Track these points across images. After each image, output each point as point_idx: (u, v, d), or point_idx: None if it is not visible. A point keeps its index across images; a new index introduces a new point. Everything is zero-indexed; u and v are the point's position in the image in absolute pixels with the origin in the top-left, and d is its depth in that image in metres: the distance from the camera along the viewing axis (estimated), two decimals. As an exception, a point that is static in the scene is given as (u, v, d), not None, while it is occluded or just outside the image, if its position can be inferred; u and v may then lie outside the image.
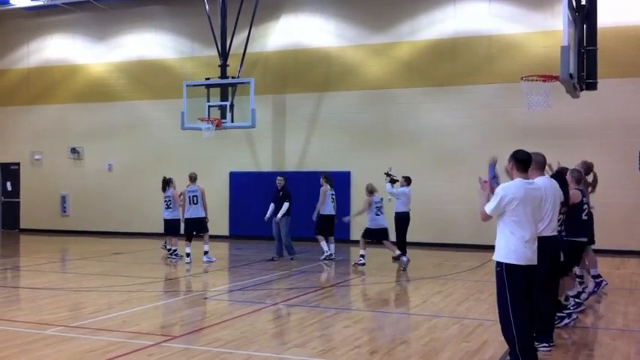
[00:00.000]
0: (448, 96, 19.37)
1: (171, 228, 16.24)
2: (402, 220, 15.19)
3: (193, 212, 15.56)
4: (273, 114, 21.18)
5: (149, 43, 22.85)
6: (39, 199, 24.25)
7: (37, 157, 24.41)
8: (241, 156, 21.49)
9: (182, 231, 16.04)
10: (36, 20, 24.27)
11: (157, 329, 8.32)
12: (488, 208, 6.42)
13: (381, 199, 15.17)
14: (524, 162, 6.57)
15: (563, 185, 8.18)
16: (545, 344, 7.31)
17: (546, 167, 8.62)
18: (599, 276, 10.92)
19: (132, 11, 22.96)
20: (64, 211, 24.03)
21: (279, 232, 15.87)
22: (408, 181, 15.51)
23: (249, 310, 9.74)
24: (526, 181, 6.55)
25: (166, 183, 16.52)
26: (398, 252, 14.43)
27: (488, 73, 18.98)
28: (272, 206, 15.96)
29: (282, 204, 15.73)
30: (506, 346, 7.29)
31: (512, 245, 6.31)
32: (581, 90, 10.45)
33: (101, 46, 23.54)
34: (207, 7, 19.56)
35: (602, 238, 17.29)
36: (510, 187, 6.43)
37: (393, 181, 15.34)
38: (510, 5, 18.87)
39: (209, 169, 21.65)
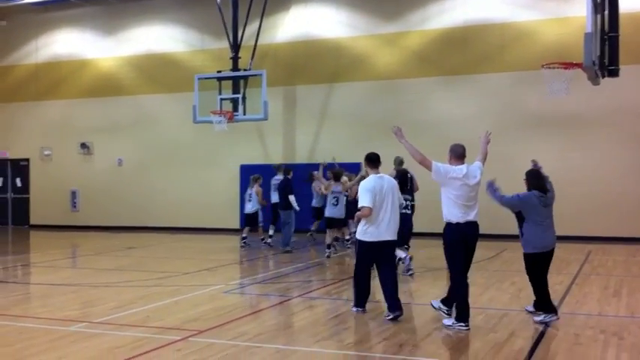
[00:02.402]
0: (459, 85, 19.26)
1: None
2: None
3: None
4: (284, 106, 21.11)
5: (158, 37, 22.77)
6: (49, 194, 24.24)
7: (46, 152, 24.38)
8: (252, 149, 21.42)
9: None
10: (44, 15, 24.18)
11: (181, 324, 8.26)
12: (367, 203, 8.31)
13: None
14: (373, 160, 8.77)
15: (541, 178, 8.56)
16: (462, 323, 7.76)
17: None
18: None
19: (140, 4, 22.86)
20: (74, 207, 24.02)
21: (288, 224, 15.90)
22: None
23: (271, 304, 9.69)
24: (377, 175, 8.63)
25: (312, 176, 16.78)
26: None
27: (499, 62, 18.87)
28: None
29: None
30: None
31: (366, 226, 8.45)
32: (603, 77, 10.33)
33: (110, 40, 23.46)
34: (217, -1, 19.46)
35: (618, 227, 17.38)
36: (369, 181, 8.54)
37: None
38: (522, -8, 18.73)
39: (219, 162, 21.65)
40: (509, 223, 17.80)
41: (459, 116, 19.13)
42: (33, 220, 24.68)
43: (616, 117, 17.64)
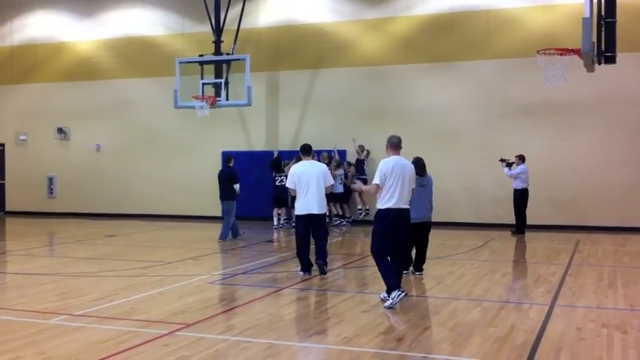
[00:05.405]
0: (445, 72, 19.01)
1: None
2: (524, 196, 16.19)
3: None
4: (267, 91, 20.71)
5: (137, 20, 22.20)
6: (25, 180, 23.65)
7: (22, 137, 23.75)
8: (234, 135, 21.02)
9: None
10: (19, -4, 23.49)
11: (167, 317, 7.92)
12: (289, 184, 10.46)
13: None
14: (304, 150, 10.69)
15: (420, 165, 10.52)
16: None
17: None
18: None
19: (119, -14, 22.27)
20: (51, 193, 23.46)
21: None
22: (522, 159, 16.26)
23: (258, 295, 9.36)
24: (307, 162, 10.55)
25: None
26: None
27: (486, 49, 18.63)
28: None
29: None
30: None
31: (297, 203, 10.40)
32: (600, 64, 10.10)
33: (87, 22, 22.85)
34: (198, -20, 18.97)
35: (606, 216, 17.28)
36: (297, 166, 10.62)
37: (509, 165, 16.29)
38: (510, -21, 18.46)
39: (201, 148, 21.22)
40: (495, 213, 17.81)
41: (445, 103, 18.91)
42: (9, 207, 24.07)
43: (604, 106, 17.50)
